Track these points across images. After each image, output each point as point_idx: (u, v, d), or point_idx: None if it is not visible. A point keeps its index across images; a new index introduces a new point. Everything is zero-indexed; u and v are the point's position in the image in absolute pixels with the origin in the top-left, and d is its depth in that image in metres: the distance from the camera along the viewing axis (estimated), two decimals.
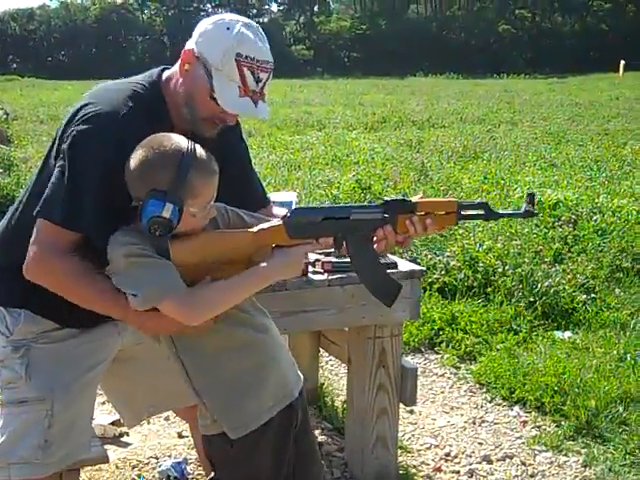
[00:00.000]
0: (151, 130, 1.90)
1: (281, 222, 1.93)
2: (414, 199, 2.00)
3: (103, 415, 3.52)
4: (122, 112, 1.95)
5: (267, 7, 68.65)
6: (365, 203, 1.91)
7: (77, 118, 1.96)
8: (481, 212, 2.03)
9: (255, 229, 1.93)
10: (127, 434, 3.46)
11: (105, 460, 2.71)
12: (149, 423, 3.56)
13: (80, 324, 2.15)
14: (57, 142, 2.01)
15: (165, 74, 2.09)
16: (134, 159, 1.85)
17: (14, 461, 2.12)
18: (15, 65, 55.32)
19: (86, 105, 1.98)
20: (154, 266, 1.83)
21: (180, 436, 3.48)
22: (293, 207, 3.19)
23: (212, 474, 2.06)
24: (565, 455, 3.35)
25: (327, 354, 3.93)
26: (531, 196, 2.05)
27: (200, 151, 1.87)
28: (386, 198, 1.99)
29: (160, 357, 2.09)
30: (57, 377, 2.13)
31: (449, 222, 2.02)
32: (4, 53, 58.30)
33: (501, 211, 2.16)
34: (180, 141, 1.86)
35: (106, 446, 3.00)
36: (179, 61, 2.02)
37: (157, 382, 2.38)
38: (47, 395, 2.12)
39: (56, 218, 1.93)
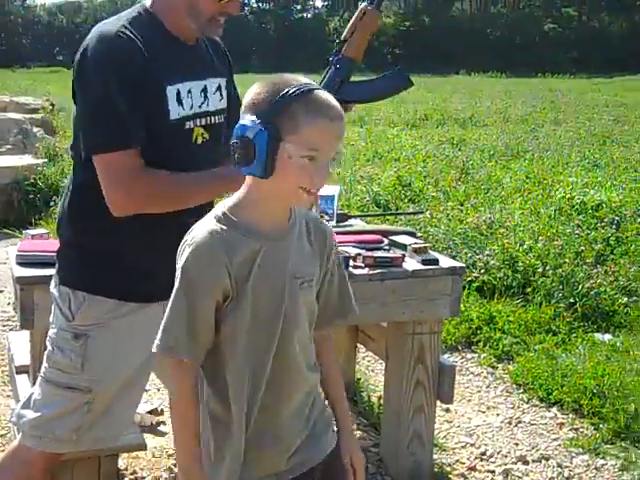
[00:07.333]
0: (152, 40, 2.04)
1: None
2: None
3: (140, 404, 3.54)
4: (118, 32, 2.02)
5: (311, 3, 68.72)
6: None
7: (80, 52, 2.04)
8: None
9: None
10: (164, 423, 3.49)
11: (143, 447, 2.74)
12: None
13: (138, 295, 2.17)
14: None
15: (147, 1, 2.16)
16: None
17: (49, 437, 2.16)
18: (61, 57, 55.85)
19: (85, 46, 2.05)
20: None
21: None
22: (335, 200, 3.21)
23: None
24: (602, 458, 3.32)
25: (364, 349, 3.93)
26: None
27: (322, 92, 1.61)
28: None
29: None
30: (108, 371, 2.16)
31: None
32: (51, 45, 59.07)
33: None
34: (301, 78, 1.63)
35: (143, 434, 3.03)
36: None
37: None
38: (94, 387, 2.15)
39: (108, 143, 1.98)
